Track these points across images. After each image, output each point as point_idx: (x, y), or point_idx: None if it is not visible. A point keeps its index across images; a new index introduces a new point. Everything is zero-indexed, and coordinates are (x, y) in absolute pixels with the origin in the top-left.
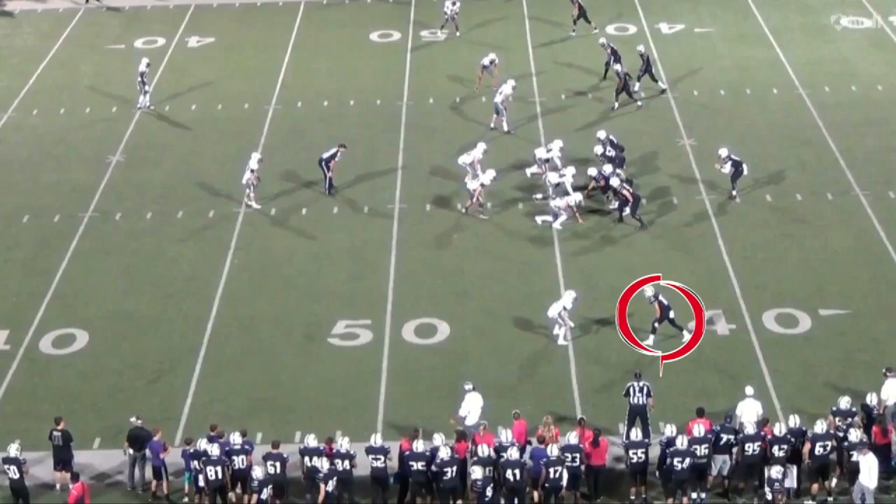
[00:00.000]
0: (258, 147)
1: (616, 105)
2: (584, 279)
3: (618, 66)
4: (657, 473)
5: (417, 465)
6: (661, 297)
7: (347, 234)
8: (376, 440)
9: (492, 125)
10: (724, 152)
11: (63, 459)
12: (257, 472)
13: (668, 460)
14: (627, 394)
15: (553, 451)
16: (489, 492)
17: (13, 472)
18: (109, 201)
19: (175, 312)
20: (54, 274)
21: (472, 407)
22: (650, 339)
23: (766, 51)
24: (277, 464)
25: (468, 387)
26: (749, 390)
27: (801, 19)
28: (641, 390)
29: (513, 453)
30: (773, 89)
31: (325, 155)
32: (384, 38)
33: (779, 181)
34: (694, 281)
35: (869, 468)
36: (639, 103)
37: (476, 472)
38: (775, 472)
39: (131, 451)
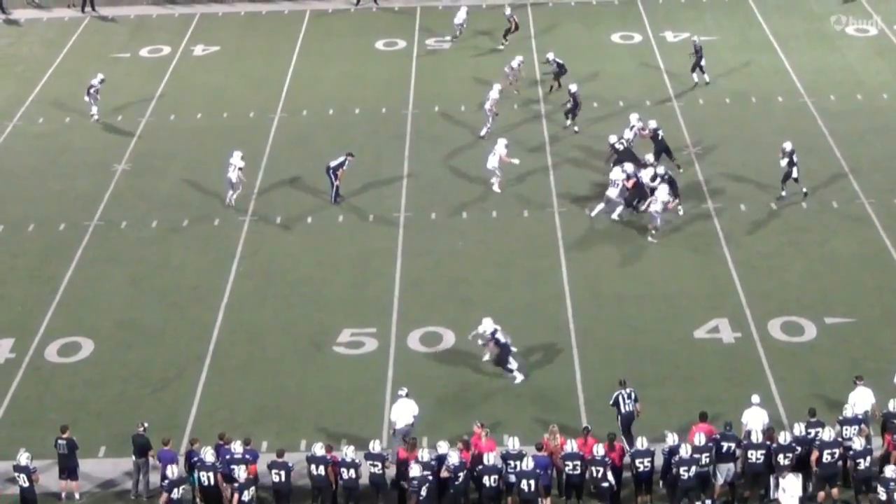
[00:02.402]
0: (264, 155)
1: (569, 124)
2: (589, 286)
3: (572, 87)
4: (661, 482)
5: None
6: (498, 335)
7: (353, 243)
8: (374, 447)
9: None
10: (788, 146)
11: (68, 468)
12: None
13: (674, 469)
14: (616, 403)
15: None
16: (424, 491)
17: (23, 481)
18: (115, 210)
19: (180, 321)
20: (60, 282)
21: (401, 413)
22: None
23: (771, 58)
24: (283, 472)
25: (402, 392)
26: (755, 398)
27: (806, 27)
28: (629, 397)
29: (527, 462)
30: (779, 97)
31: (333, 163)
32: (389, 46)
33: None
34: (699, 288)
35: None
36: (575, 129)
37: (414, 470)
38: (890, 471)
39: (134, 457)
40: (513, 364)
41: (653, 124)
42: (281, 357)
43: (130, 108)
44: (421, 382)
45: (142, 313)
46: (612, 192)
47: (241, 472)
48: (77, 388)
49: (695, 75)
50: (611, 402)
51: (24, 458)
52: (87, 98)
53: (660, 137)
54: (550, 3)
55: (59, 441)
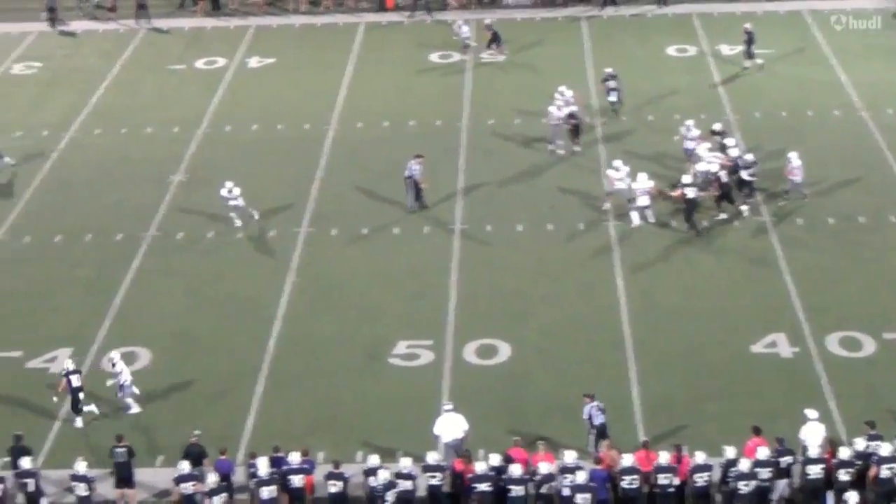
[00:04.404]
0: (316, 167)
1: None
2: (644, 299)
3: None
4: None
5: (482, 486)
6: (71, 377)
7: (408, 255)
8: (433, 458)
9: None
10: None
11: (125, 476)
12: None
13: (732, 483)
14: (590, 417)
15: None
16: (389, 497)
17: (82, 490)
18: (171, 221)
19: (236, 332)
20: (117, 292)
21: (446, 427)
22: None
23: (827, 72)
24: (340, 483)
25: (447, 406)
26: (813, 414)
27: (861, 41)
28: (601, 409)
29: (579, 476)
30: (835, 111)
31: (410, 172)
32: (444, 58)
33: (841, 203)
34: (756, 302)
35: None
36: (560, 152)
37: (381, 476)
38: None
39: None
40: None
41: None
42: (337, 369)
43: (186, 120)
44: (476, 395)
45: (197, 324)
46: (643, 200)
47: (298, 483)
48: (134, 397)
49: (747, 62)
50: (585, 417)
51: (81, 466)
52: None
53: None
54: (605, 16)
55: (116, 450)
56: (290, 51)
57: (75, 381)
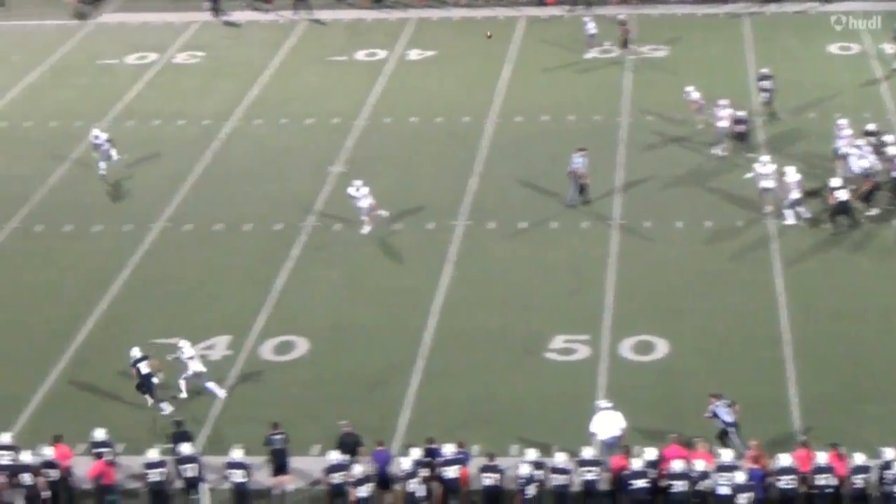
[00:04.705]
0: (474, 160)
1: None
2: (803, 298)
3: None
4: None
5: (639, 483)
6: (139, 365)
7: (566, 249)
8: (589, 453)
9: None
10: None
11: (280, 464)
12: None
13: (888, 486)
14: (714, 415)
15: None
16: (530, 490)
17: (239, 476)
18: (330, 211)
19: (393, 323)
20: (275, 282)
21: (603, 425)
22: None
23: None
24: (496, 475)
25: (605, 404)
26: None
27: None
28: (730, 406)
29: (738, 475)
30: None
31: (573, 165)
32: (604, 53)
33: None
34: None
35: None
36: (723, 154)
37: (522, 470)
38: None
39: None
40: None
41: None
42: (492, 362)
43: (346, 111)
44: (632, 391)
45: (354, 315)
46: (795, 195)
47: (453, 474)
48: (291, 386)
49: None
50: (708, 415)
51: (238, 453)
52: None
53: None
54: (767, 13)
55: (272, 437)
56: (451, 43)
57: (144, 368)
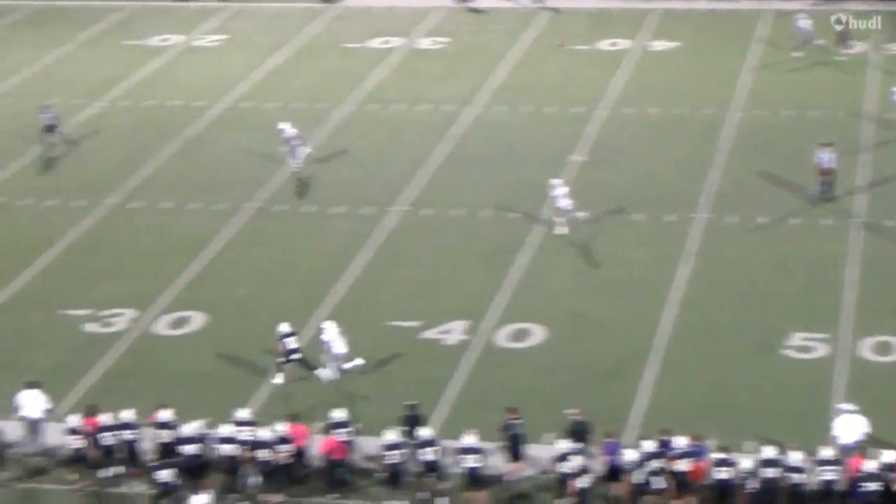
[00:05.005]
0: (715, 153)
1: None
2: None
3: None
4: None
5: (870, 486)
6: (286, 340)
7: (808, 245)
8: (827, 453)
9: None
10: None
11: (515, 450)
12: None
13: None
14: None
15: None
16: (582, 482)
17: (471, 461)
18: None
19: (628, 314)
20: (512, 268)
21: (846, 428)
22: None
23: None
24: (731, 470)
25: (847, 407)
26: None
27: None
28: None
29: None
30: None
31: (820, 161)
32: (849, 48)
33: None
34: None
35: None
36: None
37: (574, 462)
38: None
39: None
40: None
41: None
42: (729, 356)
43: (587, 101)
44: (872, 392)
45: (592, 304)
46: None
47: (683, 467)
48: (527, 373)
49: None
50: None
51: (471, 439)
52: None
53: None
54: None
55: (511, 423)
56: (695, 36)
57: (291, 343)
